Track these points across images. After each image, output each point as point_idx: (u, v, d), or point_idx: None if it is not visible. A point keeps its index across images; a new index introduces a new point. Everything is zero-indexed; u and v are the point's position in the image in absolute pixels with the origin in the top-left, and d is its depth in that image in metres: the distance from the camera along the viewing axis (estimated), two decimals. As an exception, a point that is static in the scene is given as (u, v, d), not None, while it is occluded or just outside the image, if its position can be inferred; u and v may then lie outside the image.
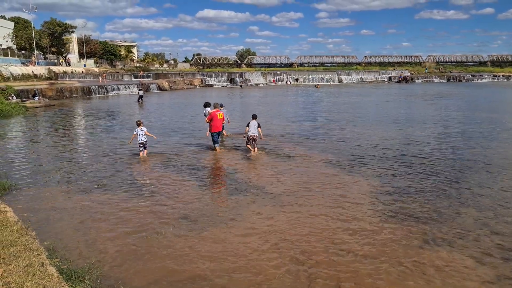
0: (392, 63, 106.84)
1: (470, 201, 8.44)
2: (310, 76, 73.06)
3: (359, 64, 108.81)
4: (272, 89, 56.55)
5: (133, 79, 56.87)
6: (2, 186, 9.01)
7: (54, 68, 54.49)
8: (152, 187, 9.47)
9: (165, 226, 7.14)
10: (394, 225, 7.19)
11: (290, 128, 18.96)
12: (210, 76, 67.90)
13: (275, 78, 71.09)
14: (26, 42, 61.34)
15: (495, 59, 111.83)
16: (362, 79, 76.60)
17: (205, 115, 15.14)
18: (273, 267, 5.71)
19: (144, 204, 8.33)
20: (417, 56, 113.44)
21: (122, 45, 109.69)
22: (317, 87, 59.24)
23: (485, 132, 17.28)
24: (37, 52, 61.92)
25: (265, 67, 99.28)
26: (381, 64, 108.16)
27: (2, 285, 4.25)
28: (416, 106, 31.14)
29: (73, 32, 71.07)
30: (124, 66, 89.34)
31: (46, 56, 67.02)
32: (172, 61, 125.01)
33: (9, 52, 56.18)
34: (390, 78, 77.71)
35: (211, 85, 63.84)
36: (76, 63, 69.63)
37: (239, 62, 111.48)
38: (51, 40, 64.84)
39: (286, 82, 70.04)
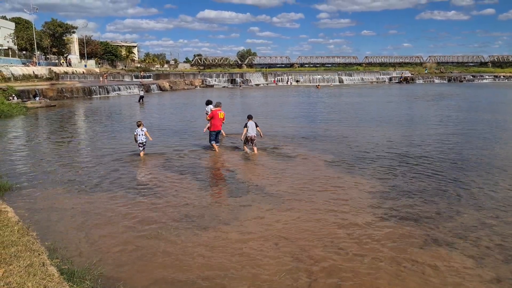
0: (393, 64, 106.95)
1: (470, 202, 8.43)
2: (311, 77, 73.07)
3: (359, 64, 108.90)
4: (273, 90, 56.56)
5: (134, 80, 56.96)
6: (3, 186, 9.02)
7: (55, 69, 54.55)
8: (153, 188, 9.47)
9: (166, 226, 7.15)
10: (394, 225, 7.18)
11: (291, 128, 18.96)
12: (210, 77, 67.99)
13: (276, 79, 71.11)
14: (27, 43, 61.43)
15: (496, 59, 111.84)
16: (362, 79, 76.62)
17: (206, 112, 15.21)
18: (273, 267, 5.71)
19: (145, 204, 8.34)
20: (418, 57, 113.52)
21: (123, 46, 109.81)
22: (317, 87, 59.24)
23: (486, 133, 17.27)
24: (38, 52, 62.01)
25: (266, 68, 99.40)
26: (382, 64, 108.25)
27: (3, 285, 4.26)
28: (417, 106, 31.14)
29: (74, 32, 71.14)
30: (125, 67, 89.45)
31: (47, 56, 67.12)
32: (173, 61, 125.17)
33: (10, 53, 56.27)
34: (390, 79, 77.73)
35: (212, 86, 63.90)
36: (77, 64, 69.68)
37: (239, 62, 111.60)
38: (52, 40, 64.93)
39: (287, 83, 70.04)
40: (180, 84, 57.08)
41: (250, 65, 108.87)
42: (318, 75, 75.05)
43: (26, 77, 45.18)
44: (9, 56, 53.78)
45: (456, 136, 16.44)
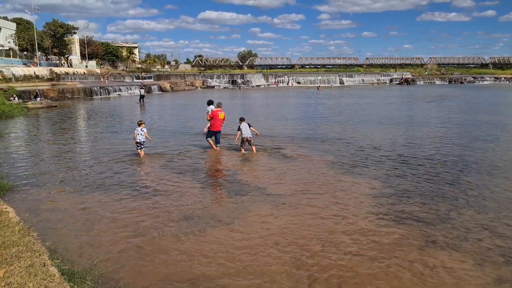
0: (394, 65, 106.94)
1: (471, 203, 8.43)
2: (312, 78, 73.08)
3: (360, 66, 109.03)
4: (274, 91, 56.59)
5: (135, 80, 57.01)
6: (3, 186, 9.02)
7: (56, 69, 54.66)
8: (153, 188, 9.48)
9: (166, 227, 7.15)
10: (394, 227, 7.18)
11: (291, 129, 18.96)
12: (211, 78, 68.01)
13: (277, 80, 71.12)
14: (28, 43, 61.54)
15: (497, 61, 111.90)
16: (363, 81, 76.57)
17: (207, 112, 15.29)
18: (274, 268, 5.71)
19: (145, 205, 8.34)
20: (418, 58, 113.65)
21: (124, 46, 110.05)
22: (318, 88, 59.26)
23: (487, 134, 17.26)
24: (39, 53, 62.14)
25: (267, 69, 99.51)
26: (382, 66, 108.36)
27: (4, 286, 4.27)
28: (418, 108, 31.15)
29: (75, 33, 71.33)
30: (126, 68, 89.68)
31: (48, 57, 67.27)
32: (173, 62, 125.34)
33: (11, 53, 56.41)
34: (391, 80, 77.71)
35: (213, 87, 63.92)
36: (78, 64, 69.87)
37: (240, 63, 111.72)
38: (53, 41, 65.09)
39: (287, 84, 70.06)
40: (181, 85, 57.12)
41: (251, 66, 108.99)
42: (319, 76, 75.04)
43: (27, 78, 45.25)
44: (10, 57, 53.91)
45: (457, 138, 16.44)
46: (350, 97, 42.92)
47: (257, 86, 67.15)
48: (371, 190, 9.31)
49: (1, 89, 30.99)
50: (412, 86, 69.31)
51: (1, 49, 57.04)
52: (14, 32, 63.96)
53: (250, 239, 6.67)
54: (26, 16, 75.60)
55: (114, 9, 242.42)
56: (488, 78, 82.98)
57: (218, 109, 13.59)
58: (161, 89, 50.69)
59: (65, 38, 68.62)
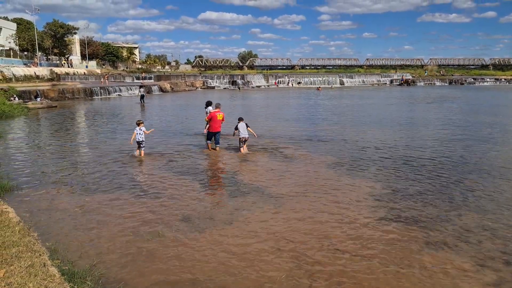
0: (394, 66, 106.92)
1: (471, 204, 8.43)
2: (312, 79, 73.10)
3: (361, 66, 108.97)
4: (274, 92, 56.59)
5: (135, 81, 57.05)
6: (4, 186, 9.03)
7: (56, 70, 54.68)
8: (154, 188, 9.48)
9: (166, 227, 7.15)
10: (395, 227, 7.18)
11: (292, 130, 18.96)
12: (211, 78, 68.00)
13: (277, 81, 71.13)
14: (28, 43, 61.60)
15: (497, 62, 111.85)
16: (363, 81, 76.61)
17: (206, 113, 15.33)
18: (274, 268, 5.71)
19: (145, 205, 8.34)
20: (419, 59, 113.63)
21: (124, 47, 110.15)
22: (318, 89, 59.29)
23: (487, 135, 17.26)
24: (39, 53, 62.17)
25: (267, 69, 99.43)
26: (383, 67, 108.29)
27: (5, 286, 4.27)
28: (418, 109, 31.15)
29: (75, 33, 71.40)
30: (126, 68, 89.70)
31: (48, 57, 67.34)
32: (174, 63, 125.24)
33: (12, 53, 56.43)
34: (392, 81, 77.75)
35: (213, 87, 63.92)
36: (78, 65, 69.91)
37: (241, 64, 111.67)
38: (53, 41, 65.16)
39: (288, 84, 70.06)
40: (181, 86, 57.14)
41: (251, 67, 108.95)
42: (319, 77, 75.05)
43: (27, 78, 45.26)
44: (10, 57, 53.94)
45: (458, 139, 16.44)
46: (351, 98, 42.92)
47: (258, 86, 67.15)
48: (371, 191, 9.31)
49: (2, 89, 30.99)
50: (412, 87, 69.35)
51: (2, 49, 57.09)
52: (14, 32, 64.02)
53: (250, 240, 6.67)
54: (27, 16, 75.87)
55: (114, 10, 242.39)
56: (488, 80, 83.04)
57: (217, 110, 13.62)
58: (161, 89, 50.70)
59: (66, 39, 68.69)
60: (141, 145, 12.92)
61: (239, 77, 69.64)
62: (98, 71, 68.91)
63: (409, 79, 77.56)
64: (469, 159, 12.69)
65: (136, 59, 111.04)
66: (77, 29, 70.63)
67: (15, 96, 30.73)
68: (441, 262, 5.94)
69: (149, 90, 46.59)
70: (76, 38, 75.45)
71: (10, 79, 41.71)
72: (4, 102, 26.37)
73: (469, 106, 32.70)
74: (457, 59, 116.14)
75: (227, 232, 7.00)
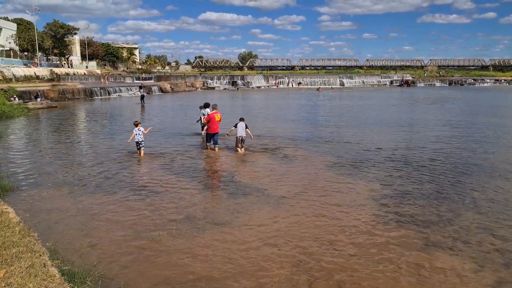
0: (394, 67, 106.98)
1: (471, 205, 8.43)
2: (312, 79, 73.11)
3: (361, 67, 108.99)
4: (274, 92, 56.59)
5: (135, 81, 57.08)
6: (4, 187, 9.03)
7: (56, 70, 54.71)
8: (153, 189, 9.48)
9: (166, 228, 7.15)
10: (394, 228, 7.19)
11: (292, 130, 18.97)
12: (212, 79, 68.03)
13: (277, 81, 71.13)
14: (28, 44, 61.59)
15: (497, 63, 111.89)
16: (364, 82, 76.65)
17: (203, 115, 15.37)
18: (274, 268, 5.72)
19: (145, 205, 8.35)
20: (419, 60, 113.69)
21: (124, 47, 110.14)
22: (318, 90, 59.30)
23: (487, 137, 17.27)
24: (40, 53, 62.19)
25: (267, 70, 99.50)
26: (383, 67, 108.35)
27: (5, 286, 4.27)
28: (418, 110, 31.16)
29: (75, 33, 71.41)
30: (127, 68, 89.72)
31: (49, 57, 67.37)
32: (174, 63, 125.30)
33: (12, 54, 56.43)
34: (392, 82, 77.78)
35: (213, 88, 63.95)
36: (78, 65, 69.94)
37: (241, 64, 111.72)
38: (53, 41, 65.18)
39: (288, 85, 70.06)
40: (181, 86, 57.17)
41: (251, 67, 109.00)
42: (319, 77, 75.07)
43: (27, 78, 45.28)
44: (10, 57, 53.96)
45: (458, 140, 16.44)
46: (351, 99, 42.93)
47: (258, 87, 67.17)
48: (371, 192, 9.31)
49: (2, 89, 30.99)
50: (413, 88, 69.39)
51: (2, 50, 57.07)
52: (14, 32, 63.98)
53: (250, 240, 6.67)
54: (27, 17, 75.89)
55: (114, 10, 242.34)
56: (488, 80, 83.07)
57: (214, 111, 13.68)
58: (161, 90, 50.73)
59: (66, 39, 68.69)
60: (141, 145, 13.04)
61: (239, 77, 69.67)
62: (98, 71, 68.94)
63: (409, 80, 77.62)
64: (469, 159, 12.69)
65: (136, 60, 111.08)
66: (77, 29, 70.74)
67: (15, 96, 30.74)
68: (441, 262, 5.94)
69: (149, 91, 46.64)
70: (76, 38, 75.49)
71: (10, 79, 41.72)
72: (4, 102, 26.39)
73: (469, 107, 32.71)
74: (457, 59, 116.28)
75: (227, 232, 7.00)
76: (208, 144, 13.99)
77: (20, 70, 46.22)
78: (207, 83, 65.12)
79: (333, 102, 39.19)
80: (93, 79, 57.09)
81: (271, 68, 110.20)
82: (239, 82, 66.60)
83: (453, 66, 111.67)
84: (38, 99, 31.97)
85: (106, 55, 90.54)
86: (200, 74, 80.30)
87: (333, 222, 7.49)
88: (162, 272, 5.63)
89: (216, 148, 13.73)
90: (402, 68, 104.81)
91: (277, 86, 69.23)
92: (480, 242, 6.66)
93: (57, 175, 10.69)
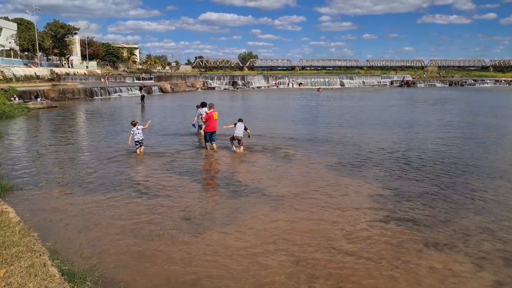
0: (394, 67, 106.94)
1: (471, 206, 8.43)
2: (312, 80, 73.13)
3: (361, 68, 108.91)
4: (274, 92, 56.59)
5: (135, 81, 57.10)
6: (4, 186, 9.03)
7: (56, 70, 54.69)
8: (153, 189, 9.48)
9: (166, 228, 7.15)
10: (394, 228, 7.19)
11: (292, 130, 18.97)
12: (212, 79, 68.06)
13: (277, 81, 71.15)
14: (29, 44, 61.59)
15: (497, 64, 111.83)
16: (364, 83, 76.71)
17: (201, 114, 15.40)
18: (274, 269, 5.72)
19: (145, 205, 8.35)
20: (419, 61, 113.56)
21: (124, 47, 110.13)
22: (318, 90, 59.31)
23: (487, 137, 17.27)
24: (40, 53, 62.18)
25: (267, 70, 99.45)
26: (383, 68, 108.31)
27: (5, 286, 4.27)
28: (419, 110, 31.16)
29: (75, 33, 71.44)
30: (127, 68, 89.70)
31: (49, 57, 67.36)
32: (174, 63, 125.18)
33: (12, 53, 56.42)
34: (392, 82, 77.83)
35: (213, 88, 63.97)
36: (78, 65, 69.92)
37: (241, 65, 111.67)
38: (53, 41, 65.19)
39: (288, 85, 70.08)
40: (181, 86, 57.19)
41: (252, 68, 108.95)
42: (320, 78, 75.07)
43: (27, 78, 45.27)
44: (11, 57, 53.95)
45: (458, 140, 16.44)
46: (351, 99, 42.94)
47: (258, 87, 67.20)
48: (371, 192, 9.31)
49: (2, 89, 30.99)
50: (413, 89, 69.42)
51: (2, 49, 57.07)
52: (15, 32, 63.99)
53: (250, 240, 6.67)
54: (27, 17, 75.80)
55: (115, 10, 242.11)
56: (488, 81, 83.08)
57: (212, 110, 13.78)
58: (161, 90, 50.75)
59: (66, 39, 68.72)
60: (141, 143, 13.17)
61: (240, 78, 69.68)
62: (99, 71, 68.90)
63: (410, 80, 77.66)
64: (469, 160, 12.69)
65: (136, 60, 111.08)
66: (78, 29, 70.77)
67: (15, 96, 30.75)
68: (440, 263, 5.94)
69: (149, 91, 46.63)
70: (77, 38, 75.50)
71: (11, 79, 41.72)
72: (5, 102, 26.39)
73: (470, 108, 32.73)
74: (457, 60, 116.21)
75: (227, 232, 7.00)
76: (207, 143, 14.00)
77: (21, 70, 46.22)
78: (207, 83, 65.14)
79: (334, 102, 39.21)
80: (93, 79, 57.09)
81: (271, 68, 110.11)
82: (239, 82, 66.64)
83: (453, 66, 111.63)
84: (38, 99, 31.98)
85: (107, 55, 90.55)
86: (200, 74, 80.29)
87: (333, 222, 7.48)
88: (162, 272, 5.63)
89: (214, 145, 13.90)
90: (402, 68, 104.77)
91: (277, 87, 69.24)
92: (480, 243, 6.66)
93: (57, 175, 10.69)
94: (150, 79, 61.07)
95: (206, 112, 14.14)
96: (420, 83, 78.06)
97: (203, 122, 14.08)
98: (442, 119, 24.25)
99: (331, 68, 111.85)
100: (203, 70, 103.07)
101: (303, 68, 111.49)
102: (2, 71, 41.74)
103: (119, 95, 43.70)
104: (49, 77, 50.31)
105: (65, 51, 70.55)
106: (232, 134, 13.76)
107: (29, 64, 52.95)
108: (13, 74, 43.09)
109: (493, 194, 9.26)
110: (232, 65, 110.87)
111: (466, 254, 6.23)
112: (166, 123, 22.07)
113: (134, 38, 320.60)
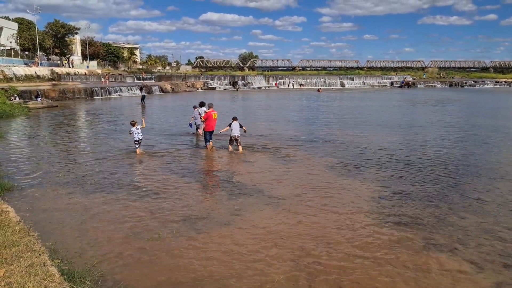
0: (395, 68, 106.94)
1: (471, 207, 8.43)
2: (313, 80, 73.14)
3: (361, 68, 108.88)
4: (274, 93, 56.61)
5: (136, 81, 57.12)
6: (4, 186, 9.03)
7: (57, 69, 54.64)
8: (153, 189, 9.48)
9: (166, 228, 7.15)
10: (394, 229, 7.18)
11: (292, 131, 18.97)
12: (212, 79, 68.11)
13: (277, 82, 71.16)
14: (29, 43, 61.61)
15: (498, 65, 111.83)
16: (364, 83, 76.75)
17: (199, 114, 15.45)
18: (273, 269, 5.71)
19: (145, 205, 8.35)
20: (419, 62, 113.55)
21: (125, 47, 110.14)
22: (319, 91, 59.32)
23: (488, 138, 17.26)
24: (40, 53, 62.18)
25: (268, 71, 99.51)
26: (383, 69, 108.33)
27: (4, 285, 4.27)
28: (419, 111, 31.16)
29: (76, 33, 71.44)
30: (127, 68, 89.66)
31: (49, 57, 67.37)
32: (174, 63, 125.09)
33: (13, 53, 56.41)
34: (392, 83, 77.87)
35: (214, 88, 63.99)
36: (79, 65, 69.87)
37: (241, 65, 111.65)
38: (54, 41, 65.18)
39: (288, 86, 70.09)
40: (181, 86, 57.21)
41: (252, 68, 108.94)
42: (320, 78, 75.09)
43: (28, 78, 45.23)
44: (11, 57, 53.91)
45: (459, 141, 16.44)
46: (351, 100, 42.94)
47: (258, 88, 67.21)
48: (371, 193, 9.31)
49: (2, 88, 30.98)
50: (413, 89, 69.44)
51: (3, 49, 57.07)
52: (15, 32, 63.98)
53: (250, 241, 6.67)
54: (28, 16, 75.80)
55: (116, 10, 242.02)
56: (488, 82, 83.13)
57: (211, 109, 13.83)
58: (162, 90, 50.77)
59: (67, 39, 68.71)
60: (139, 143, 13.30)
61: (240, 78, 69.70)
62: (99, 71, 68.87)
63: (410, 81, 77.70)
64: (469, 161, 12.69)
65: (137, 60, 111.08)
66: (78, 29, 70.76)
67: (15, 95, 30.75)
68: (440, 264, 5.94)
69: (149, 91, 46.64)
70: (77, 38, 75.48)
71: (11, 78, 41.68)
72: (5, 101, 26.38)
73: (470, 109, 32.73)
74: (457, 61, 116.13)
75: (226, 233, 7.00)
76: (207, 143, 14.03)
77: (21, 70, 46.19)
78: (207, 84, 65.18)
79: (334, 103, 39.20)
80: (93, 79, 57.09)
81: (271, 68, 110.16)
82: (240, 82, 66.68)
83: (453, 67, 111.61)
84: (39, 99, 31.98)
85: (107, 55, 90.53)
86: (201, 74, 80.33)
87: (333, 223, 7.48)
88: (162, 272, 5.63)
89: (211, 142, 14.05)
90: (403, 69, 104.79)
91: (278, 87, 69.29)
92: (480, 243, 6.65)
93: (57, 175, 10.69)
94: (151, 79, 61.10)
95: (205, 112, 14.19)
96: (420, 84, 78.07)
97: (202, 121, 14.12)
98: (443, 120, 24.25)
99: (331, 69, 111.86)
100: (203, 70, 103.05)
101: (303, 68, 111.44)
102: (2, 71, 41.73)
103: (119, 95, 43.71)
104: (49, 76, 50.26)
105: (65, 51, 70.54)
106: (230, 136, 13.79)
107: (29, 64, 52.91)
108: (14, 74, 43.07)
109: (493, 195, 9.25)
110: (233, 65, 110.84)
111: (466, 255, 6.22)
112: (167, 123, 22.06)
113: (135, 38, 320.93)
